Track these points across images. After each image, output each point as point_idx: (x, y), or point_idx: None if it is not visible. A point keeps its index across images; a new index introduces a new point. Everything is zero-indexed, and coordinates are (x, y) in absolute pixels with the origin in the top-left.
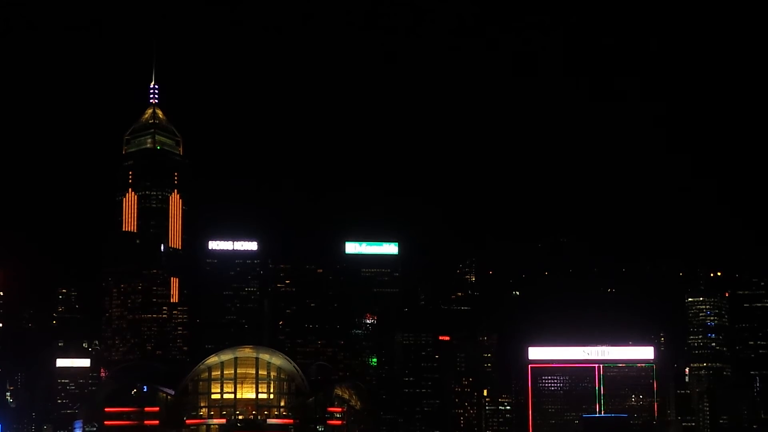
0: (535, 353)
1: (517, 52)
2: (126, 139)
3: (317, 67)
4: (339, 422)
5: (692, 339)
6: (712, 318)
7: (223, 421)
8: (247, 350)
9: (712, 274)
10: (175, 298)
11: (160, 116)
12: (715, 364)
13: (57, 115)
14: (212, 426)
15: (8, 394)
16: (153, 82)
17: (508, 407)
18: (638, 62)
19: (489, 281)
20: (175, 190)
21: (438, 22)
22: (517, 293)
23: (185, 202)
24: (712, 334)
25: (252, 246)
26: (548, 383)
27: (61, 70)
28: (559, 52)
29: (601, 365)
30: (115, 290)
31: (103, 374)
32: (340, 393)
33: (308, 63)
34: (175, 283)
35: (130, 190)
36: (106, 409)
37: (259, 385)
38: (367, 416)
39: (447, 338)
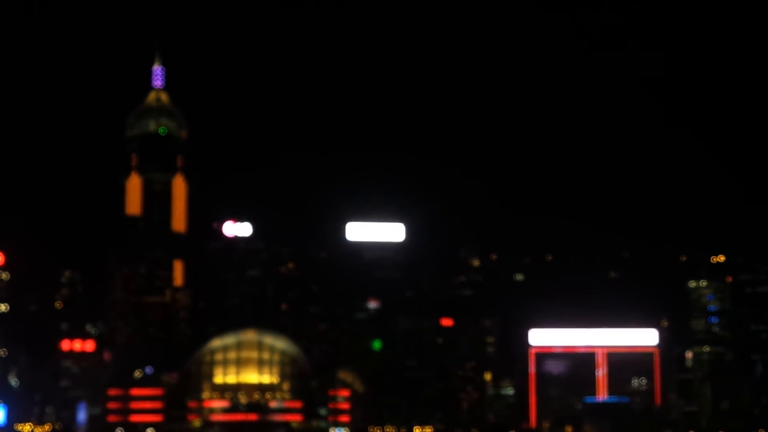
0: (538, 337)
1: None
2: (130, 122)
3: (322, 49)
4: (342, 406)
5: (694, 323)
6: (714, 302)
7: (226, 404)
8: (250, 333)
9: (714, 259)
10: (178, 282)
11: (164, 99)
12: (717, 348)
13: (60, 98)
14: (215, 409)
15: (12, 376)
16: (157, 65)
17: (510, 391)
18: (641, 48)
19: (491, 265)
20: (179, 174)
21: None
22: (520, 277)
23: (189, 186)
24: (714, 318)
25: (256, 230)
26: (550, 367)
27: (65, 53)
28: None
29: (603, 349)
30: (118, 273)
31: (106, 357)
32: (343, 377)
33: (312, 44)
34: (178, 266)
35: (133, 173)
36: (109, 392)
37: (262, 369)
38: (370, 400)
39: (449, 322)
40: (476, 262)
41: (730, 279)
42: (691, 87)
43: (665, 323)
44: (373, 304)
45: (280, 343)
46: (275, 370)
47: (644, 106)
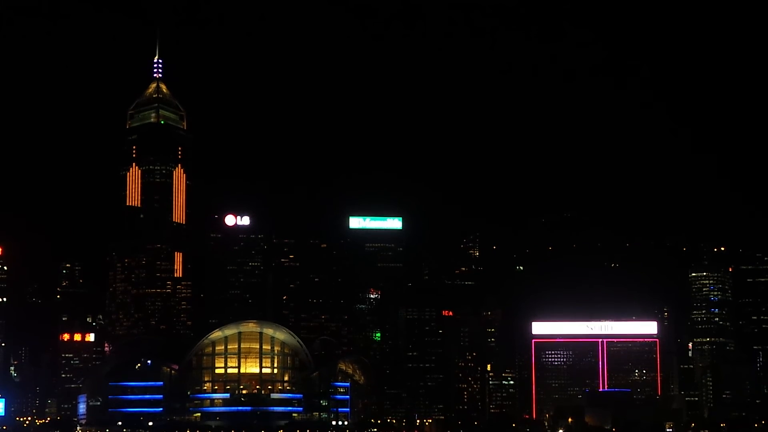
0: (539, 328)
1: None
2: (130, 113)
3: (321, 44)
4: (343, 397)
5: (695, 314)
6: (715, 293)
7: (227, 395)
8: (251, 325)
9: (715, 249)
10: (179, 273)
11: (164, 91)
12: (718, 338)
13: (61, 90)
14: (216, 400)
15: (12, 368)
16: (157, 57)
17: (512, 382)
18: (640, 40)
19: (493, 256)
20: (179, 165)
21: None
22: (521, 268)
23: (189, 177)
24: (715, 309)
25: (256, 221)
26: (552, 358)
27: (65, 45)
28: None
29: (604, 340)
30: (119, 265)
31: (107, 349)
32: (344, 368)
33: (312, 40)
34: (179, 257)
35: (134, 164)
36: (110, 384)
37: (263, 360)
38: (371, 391)
39: (450, 313)
40: (477, 253)
41: (731, 269)
42: (692, 87)
43: (667, 314)
44: (374, 295)
45: (280, 335)
46: (276, 361)
47: (645, 97)
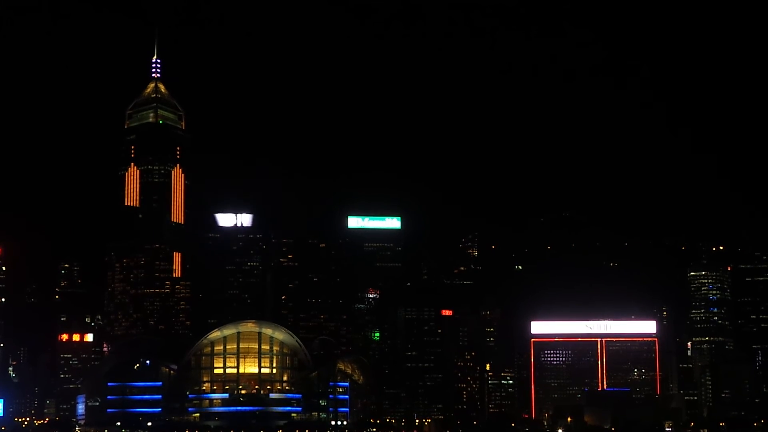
0: (538, 327)
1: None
2: (128, 113)
3: (321, 44)
4: (342, 396)
5: (694, 313)
6: (714, 292)
7: (226, 395)
8: (249, 325)
9: (714, 249)
10: (177, 273)
11: (163, 90)
12: (717, 338)
13: (60, 90)
14: (215, 401)
15: (11, 369)
16: (155, 57)
17: (511, 381)
18: (640, 40)
19: (491, 255)
20: (178, 165)
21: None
22: (520, 267)
23: (187, 177)
24: (714, 308)
25: (255, 220)
26: (551, 357)
27: (65, 45)
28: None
29: (603, 339)
30: (117, 265)
31: (105, 349)
32: (343, 367)
33: (312, 40)
34: (177, 257)
35: (132, 164)
36: (108, 384)
37: (262, 360)
38: (370, 390)
39: (449, 313)
40: (476, 253)
41: (730, 268)
42: (692, 87)
43: (666, 313)
44: (372, 295)
45: (279, 334)
46: (275, 361)
47: (644, 96)
